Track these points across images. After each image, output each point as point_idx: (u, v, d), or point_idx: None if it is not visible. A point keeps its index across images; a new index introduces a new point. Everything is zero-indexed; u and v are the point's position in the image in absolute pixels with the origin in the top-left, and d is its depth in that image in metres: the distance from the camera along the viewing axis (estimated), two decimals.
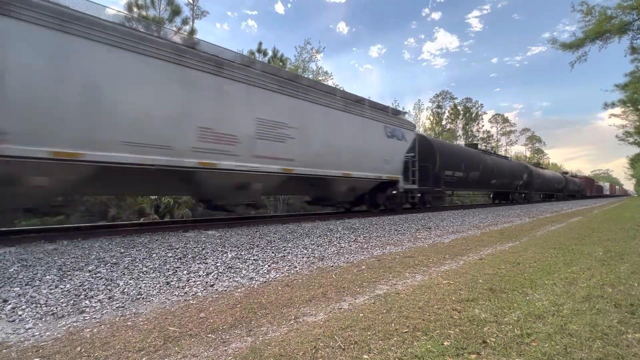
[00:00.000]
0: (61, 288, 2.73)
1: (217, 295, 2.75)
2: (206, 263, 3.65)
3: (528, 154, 57.82)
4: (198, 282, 3.07)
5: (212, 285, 3.01)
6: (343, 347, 1.77)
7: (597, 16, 12.33)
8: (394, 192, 9.71)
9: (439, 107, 39.50)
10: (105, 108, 4.56)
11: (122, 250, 3.89)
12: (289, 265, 3.75)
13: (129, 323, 2.18)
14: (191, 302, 2.59)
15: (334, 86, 12.34)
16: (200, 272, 3.33)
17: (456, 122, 39.55)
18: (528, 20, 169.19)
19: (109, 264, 3.38)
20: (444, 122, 38.26)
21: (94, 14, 4.63)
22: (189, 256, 3.85)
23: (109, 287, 2.82)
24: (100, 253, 3.74)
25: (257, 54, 18.79)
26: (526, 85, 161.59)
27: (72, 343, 1.88)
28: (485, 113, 42.38)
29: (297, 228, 6.14)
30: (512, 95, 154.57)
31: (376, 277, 3.25)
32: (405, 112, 12.75)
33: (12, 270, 3.05)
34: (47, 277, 2.94)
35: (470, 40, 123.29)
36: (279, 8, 70.97)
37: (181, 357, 1.71)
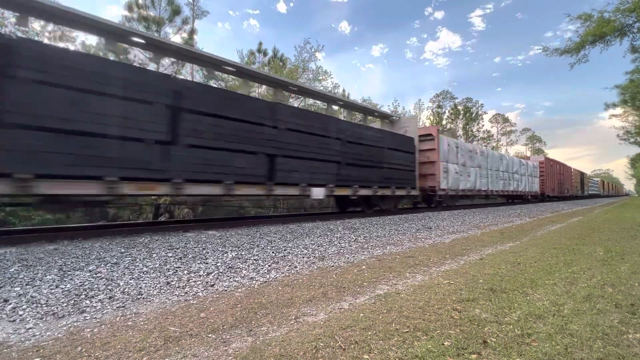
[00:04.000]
0: (62, 288, 2.73)
1: (217, 295, 2.75)
2: (206, 263, 3.65)
3: (528, 153, 57.73)
4: (198, 282, 3.07)
5: (212, 285, 3.01)
6: (343, 347, 1.77)
7: (595, 21, 12.31)
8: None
9: (439, 107, 39.52)
10: None
11: (123, 250, 3.89)
12: (290, 265, 3.75)
13: (130, 323, 2.18)
14: (192, 302, 2.60)
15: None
16: (201, 272, 3.33)
17: (456, 122, 39.52)
18: (531, 19, 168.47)
19: (109, 264, 3.38)
20: (444, 122, 38.23)
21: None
22: (190, 256, 3.85)
23: (109, 287, 2.82)
24: (101, 253, 3.74)
25: (257, 54, 18.78)
26: (528, 84, 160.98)
27: (73, 343, 1.88)
28: (485, 113, 42.35)
29: (297, 228, 6.14)
30: (514, 95, 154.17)
31: (377, 277, 3.25)
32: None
33: (12, 270, 3.06)
34: (48, 277, 2.94)
35: (473, 39, 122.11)
36: (281, 7, 70.56)
37: (181, 357, 1.71)
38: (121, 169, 4.72)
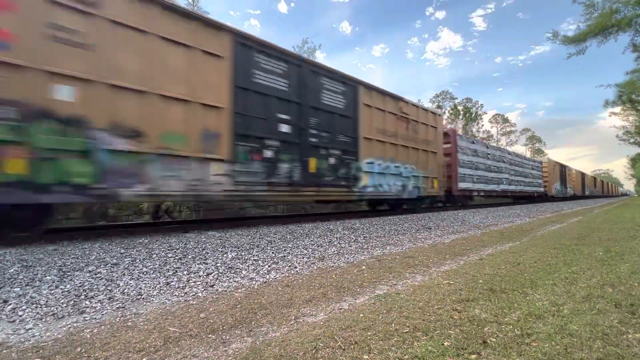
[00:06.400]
0: (61, 288, 2.73)
1: (217, 296, 2.75)
2: (206, 263, 3.65)
3: (528, 154, 57.72)
4: (198, 283, 3.07)
5: (212, 286, 3.01)
6: (343, 348, 1.77)
7: (599, 10, 12.36)
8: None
9: (439, 107, 39.57)
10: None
11: (123, 251, 3.89)
12: (289, 266, 3.75)
13: (129, 323, 2.18)
14: (191, 302, 2.60)
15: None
16: (201, 273, 3.33)
17: (456, 122, 39.54)
18: (532, 19, 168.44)
19: (109, 265, 3.38)
20: (444, 122, 38.28)
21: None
22: (189, 256, 3.85)
23: (109, 288, 2.82)
24: (101, 253, 3.74)
25: None
26: (529, 85, 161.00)
27: (73, 343, 1.88)
28: (485, 113, 42.48)
29: (297, 228, 6.14)
30: (515, 95, 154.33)
31: (376, 278, 3.25)
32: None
33: (12, 270, 3.05)
34: (48, 277, 2.94)
35: (474, 39, 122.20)
36: (282, 7, 70.58)
37: (181, 358, 1.71)
38: None
